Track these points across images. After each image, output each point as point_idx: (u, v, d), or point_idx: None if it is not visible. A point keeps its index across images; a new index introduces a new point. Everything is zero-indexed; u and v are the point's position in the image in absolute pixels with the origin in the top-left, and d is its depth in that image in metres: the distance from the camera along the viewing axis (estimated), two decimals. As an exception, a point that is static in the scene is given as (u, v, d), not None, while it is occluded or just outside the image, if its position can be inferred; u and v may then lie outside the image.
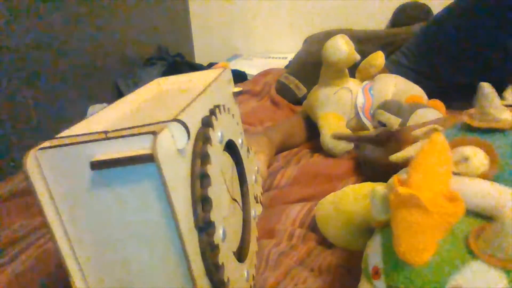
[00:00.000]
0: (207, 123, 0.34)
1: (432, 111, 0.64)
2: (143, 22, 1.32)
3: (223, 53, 1.66)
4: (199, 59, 1.70)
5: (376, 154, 0.60)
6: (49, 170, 0.28)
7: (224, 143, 0.38)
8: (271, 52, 1.62)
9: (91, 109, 0.96)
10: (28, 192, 0.66)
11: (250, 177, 0.49)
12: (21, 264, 0.47)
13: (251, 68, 1.40)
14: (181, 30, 1.63)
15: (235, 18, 1.67)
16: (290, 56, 1.44)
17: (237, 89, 0.49)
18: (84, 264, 0.30)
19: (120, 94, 1.12)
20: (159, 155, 0.25)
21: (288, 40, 1.64)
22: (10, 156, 0.76)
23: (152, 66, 1.21)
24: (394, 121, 0.63)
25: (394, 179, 0.28)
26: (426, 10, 1.37)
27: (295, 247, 0.46)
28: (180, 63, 1.29)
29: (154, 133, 0.26)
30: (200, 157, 0.31)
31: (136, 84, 1.13)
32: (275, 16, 1.64)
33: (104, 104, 1.00)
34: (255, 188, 0.52)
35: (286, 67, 1.30)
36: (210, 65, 1.45)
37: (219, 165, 0.35)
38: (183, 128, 0.28)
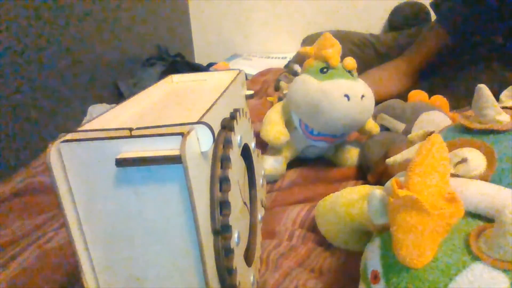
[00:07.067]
0: (228, 127, 0.33)
1: (438, 114, 0.62)
2: (143, 22, 1.32)
3: (223, 53, 1.66)
4: (198, 59, 1.70)
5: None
6: (70, 163, 0.28)
7: (241, 147, 0.38)
8: (271, 52, 1.62)
9: (91, 109, 0.96)
10: (28, 192, 0.67)
11: (258, 181, 0.49)
12: (21, 264, 0.47)
13: (251, 68, 1.40)
14: (181, 30, 1.63)
15: (234, 18, 1.67)
16: (290, 56, 1.44)
17: (249, 92, 0.48)
18: (97, 260, 0.30)
19: (120, 94, 1.12)
20: (187, 157, 0.25)
21: (287, 40, 1.64)
22: (9, 155, 0.76)
23: (152, 66, 1.21)
24: (398, 127, 0.62)
25: (392, 182, 0.27)
26: (422, 9, 1.37)
27: (295, 248, 0.47)
28: (179, 63, 1.29)
29: (182, 134, 0.26)
30: (221, 160, 0.31)
31: (136, 84, 1.13)
32: (274, 16, 1.64)
33: (104, 104, 1.00)
34: (261, 192, 0.52)
35: (285, 66, 1.31)
36: (210, 65, 1.45)
37: (237, 169, 0.35)
38: (208, 131, 0.28)
